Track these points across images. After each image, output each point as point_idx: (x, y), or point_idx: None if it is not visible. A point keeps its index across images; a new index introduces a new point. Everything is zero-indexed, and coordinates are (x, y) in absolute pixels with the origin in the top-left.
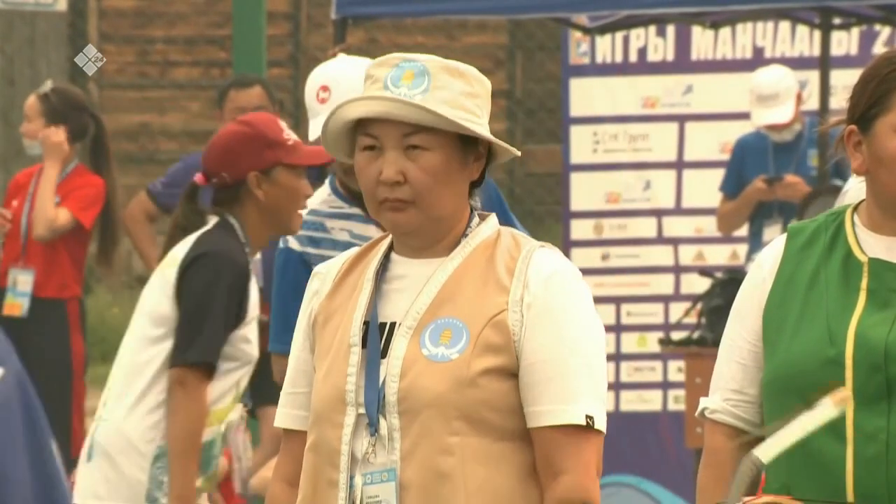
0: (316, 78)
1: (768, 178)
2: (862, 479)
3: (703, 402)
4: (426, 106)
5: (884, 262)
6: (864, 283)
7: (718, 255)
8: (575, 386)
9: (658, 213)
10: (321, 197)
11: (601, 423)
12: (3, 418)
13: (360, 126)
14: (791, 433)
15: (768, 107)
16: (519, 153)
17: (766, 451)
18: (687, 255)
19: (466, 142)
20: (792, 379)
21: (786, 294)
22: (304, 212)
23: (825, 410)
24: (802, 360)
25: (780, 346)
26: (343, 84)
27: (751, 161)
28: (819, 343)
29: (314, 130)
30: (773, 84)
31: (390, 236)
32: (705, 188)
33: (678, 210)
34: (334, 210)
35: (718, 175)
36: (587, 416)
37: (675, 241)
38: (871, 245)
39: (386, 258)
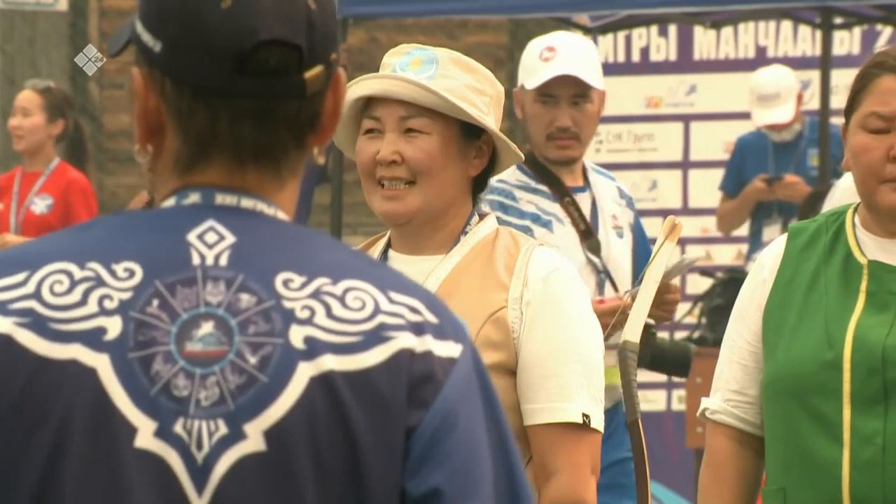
0: (541, 41)
1: (768, 178)
2: (858, 483)
3: (704, 403)
4: (426, 85)
5: (883, 265)
6: (863, 286)
7: (724, 255)
8: (571, 384)
9: (664, 214)
10: (508, 171)
11: (597, 422)
12: (467, 395)
13: (364, 112)
14: (643, 298)
15: (769, 107)
16: (523, 157)
17: (633, 330)
18: (693, 255)
19: (467, 134)
20: (790, 381)
21: (786, 295)
22: (492, 180)
23: (663, 249)
24: (801, 363)
25: (780, 348)
26: (569, 45)
27: (750, 160)
28: (817, 345)
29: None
30: (773, 84)
31: (388, 234)
32: (711, 188)
33: (685, 210)
34: (521, 183)
35: None
36: (583, 415)
37: (681, 241)
38: (870, 247)
39: (384, 256)
